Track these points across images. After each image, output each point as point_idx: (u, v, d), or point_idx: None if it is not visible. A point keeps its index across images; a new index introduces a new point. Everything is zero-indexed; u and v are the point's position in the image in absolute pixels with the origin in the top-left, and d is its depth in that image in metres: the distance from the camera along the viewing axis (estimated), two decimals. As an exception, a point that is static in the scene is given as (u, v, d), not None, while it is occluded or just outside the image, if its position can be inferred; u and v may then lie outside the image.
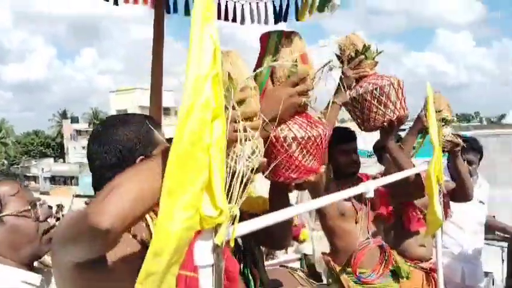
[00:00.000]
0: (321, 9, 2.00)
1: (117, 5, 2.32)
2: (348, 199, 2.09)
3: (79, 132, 52.52)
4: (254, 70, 1.35)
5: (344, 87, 1.93)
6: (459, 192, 2.43)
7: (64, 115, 61.00)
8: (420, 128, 2.27)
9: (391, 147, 2.07)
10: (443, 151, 2.22)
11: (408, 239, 2.36)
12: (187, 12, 2.40)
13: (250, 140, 0.97)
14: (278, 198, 1.34)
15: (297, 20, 2.18)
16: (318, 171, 1.26)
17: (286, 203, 1.34)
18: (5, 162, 44.39)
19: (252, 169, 0.96)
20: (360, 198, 2.09)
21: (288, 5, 2.26)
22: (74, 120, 58.97)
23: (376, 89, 1.91)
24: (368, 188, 1.42)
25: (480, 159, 2.91)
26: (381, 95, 1.91)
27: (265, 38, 1.36)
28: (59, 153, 56.11)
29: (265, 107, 1.15)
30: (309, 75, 1.29)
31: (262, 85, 1.30)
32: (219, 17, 2.46)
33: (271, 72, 1.32)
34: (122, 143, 1.09)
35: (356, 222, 2.11)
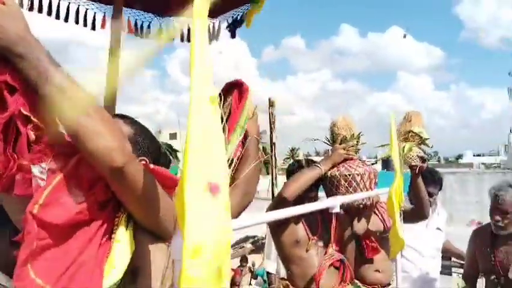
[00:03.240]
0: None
1: (94, 30, 2.46)
2: (304, 227, 2.24)
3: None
4: None
5: (332, 161, 2.21)
6: (417, 212, 2.52)
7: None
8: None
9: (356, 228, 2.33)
10: (411, 168, 2.37)
11: (364, 265, 2.44)
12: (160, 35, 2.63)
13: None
14: None
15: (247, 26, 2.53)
16: None
17: None
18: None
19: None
20: (316, 229, 2.25)
21: (237, 20, 2.56)
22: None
23: (358, 174, 2.15)
24: (334, 204, 1.51)
25: (439, 189, 3.09)
26: (361, 181, 2.15)
27: None
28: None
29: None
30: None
31: None
32: (188, 40, 2.70)
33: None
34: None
35: (307, 250, 2.22)
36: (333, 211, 1.53)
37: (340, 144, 2.22)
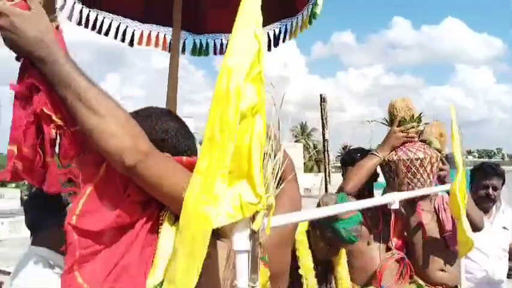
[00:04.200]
0: (310, 22, 2.38)
1: (132, 46, 2.66)
2: (365, 220, 2.17)
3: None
4: None
5: (390, 146, 2.12)
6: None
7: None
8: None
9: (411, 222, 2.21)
10: None
11: (428, 262, 2.32)
12: (194, 52, 2.84)
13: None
14: None
15: (289, 38, 2.60)
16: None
17: None
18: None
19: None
20: (377, 223, 2.19)
21: (280, 32, 2.64)
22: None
23: (417, 159, 2.03)
24: (393, 199, 1.46)
25: (503, 184, 2.92)
26: (421, 166, 2.04)
27: None
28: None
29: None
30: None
31: None
32: (220, 53, 2.85)
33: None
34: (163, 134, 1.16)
35: (368, 244, 2.16)
36: (392, 207, 1.48)
37: (398, 126, 2.12)
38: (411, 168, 2.02)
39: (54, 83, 0.94)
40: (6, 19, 0.92)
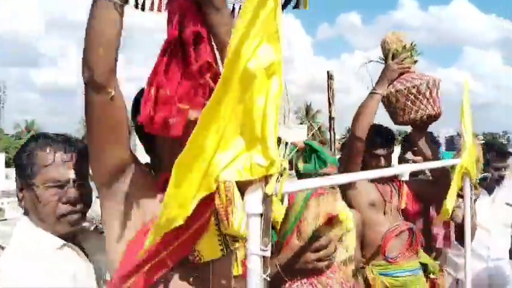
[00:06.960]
0: None
1: (143, 10, 2.57)
2: (377, 190, 2.13)
3: (103, 135, 53.23)
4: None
5: (387, 80, 2.09)
6: None
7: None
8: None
9: (420, 145, 2.11)
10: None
11: None
12: None
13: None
14: None
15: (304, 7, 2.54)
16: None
17: None
18: (32, 161, 45.48)
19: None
20: (390, 190, 2.14)
21: None
22: (100, 123, 60.04)
23: (414, 86, 2.02)
24: (402, 171, 1.45)
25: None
26: (419, 93, 2.01)
27: (293, 196, 1.50)
28: (84, 155, 57.21)
29: (288, 261, 1.32)
30: (332, 241, 1.40)
31: (287, 234, 1.44)
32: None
33: (297, 227, 1.47)
34: None
35: (384, 214, 2.12)
36: (402, 178, 1.47)
37: (392, 59, 2.10)
38: (409, 97, 2.01)
39: (224, 36, 1.00)
40: None
